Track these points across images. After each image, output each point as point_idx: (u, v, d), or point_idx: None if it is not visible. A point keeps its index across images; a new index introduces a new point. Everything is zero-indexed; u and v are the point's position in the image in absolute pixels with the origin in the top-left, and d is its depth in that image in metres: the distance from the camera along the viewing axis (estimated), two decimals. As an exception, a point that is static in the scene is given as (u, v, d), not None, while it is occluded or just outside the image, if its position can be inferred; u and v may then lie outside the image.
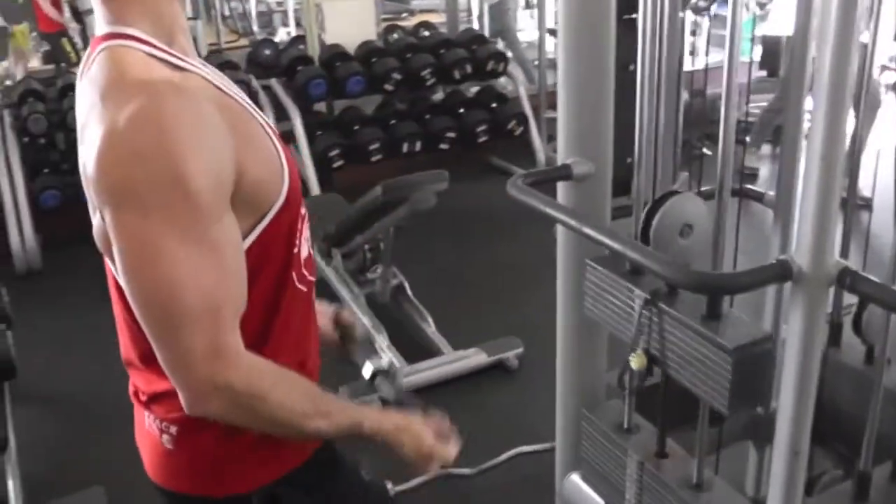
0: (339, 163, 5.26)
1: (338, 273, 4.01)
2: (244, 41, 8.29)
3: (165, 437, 1.27)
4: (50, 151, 5.01)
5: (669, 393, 1.68)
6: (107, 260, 1.17)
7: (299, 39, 6.16)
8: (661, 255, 1.53)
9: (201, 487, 1.29)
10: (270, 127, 1.20)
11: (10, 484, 2.82)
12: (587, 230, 1.64)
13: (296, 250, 1.23)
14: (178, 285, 1.04)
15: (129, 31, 1.08)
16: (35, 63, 9.49)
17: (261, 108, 4.69)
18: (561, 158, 1.98)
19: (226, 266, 1.08)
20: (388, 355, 3.51)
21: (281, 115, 5.26)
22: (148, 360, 1.18)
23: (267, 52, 5.87)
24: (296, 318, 1.27)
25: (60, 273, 4.64)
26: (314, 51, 5.57)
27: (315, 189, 5.07)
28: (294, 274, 1.24)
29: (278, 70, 5.52)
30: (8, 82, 6.39)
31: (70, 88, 5.04)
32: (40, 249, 4.71)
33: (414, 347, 3.60)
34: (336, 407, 1.23)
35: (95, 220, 1.12)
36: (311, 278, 1.31)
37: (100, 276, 1.27)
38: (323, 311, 1.55)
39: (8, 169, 4.67)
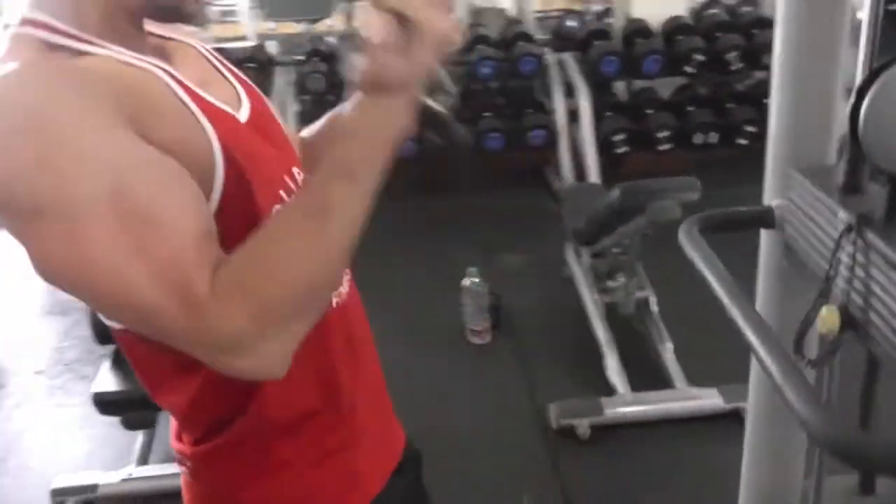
0: (624, 149, 4.83)
1: (584, 273, 3.67)
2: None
3: (185, 470, 1.16)
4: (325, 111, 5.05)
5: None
6: None
7: (608, 12, 5.76)
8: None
9: None
10: (224, 118, 0.98)
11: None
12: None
13: None
14: (118, 271, 0.83)
15: (36, 15, 0.91)
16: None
17: (547, 84, 4.38)
18: (767, 197, 1.50)
19: (155, 221, 0.84)
20: (613, 376, 3.15)
21: (571, 91, 4.94)
22: (154, 390, 1.07)
23: (571, 23, 5.55)
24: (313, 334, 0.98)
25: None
26: (618, 25, 5.16)
27: (593, 174, 4.71)
28: None
29: (575, 43, 5.18)
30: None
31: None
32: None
33: (644, 371, 3.18)
34: (323, 174, 0.90)
35: None
36: None
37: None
38: None
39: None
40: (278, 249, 0.87)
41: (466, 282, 3.59)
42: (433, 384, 3.32)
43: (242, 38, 7.68)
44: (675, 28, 4.98)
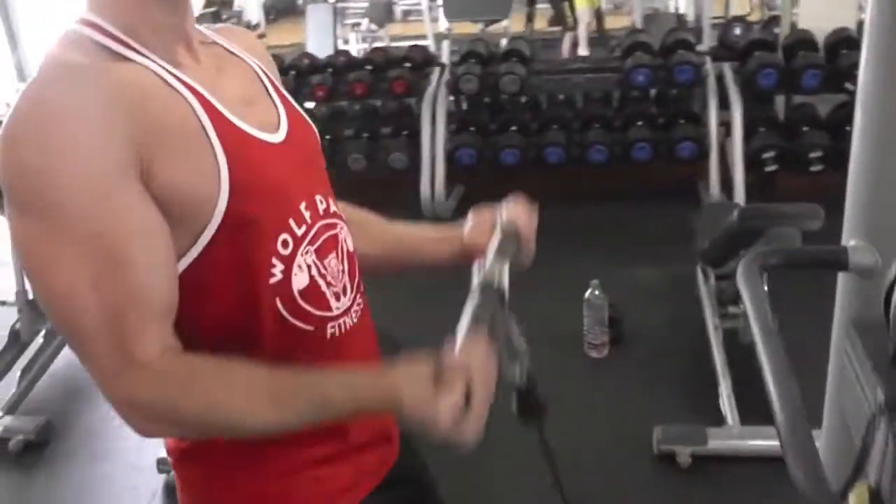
0: (773, 167, 4.61)
1: (709, 295, 3.52)
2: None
3: (170, 461, 1.20)
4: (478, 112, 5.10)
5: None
6: None
7: (774, 21, 5.52)
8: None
9: None
10: (245, 141, 1.03)
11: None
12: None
13: (275, 279, 1.05)
14: (69, 295, 0.93)
15: (90, 17, 1.02)
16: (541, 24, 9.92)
17: (703, 94, 4.24)
18: (845, 237, 1.39)
19: (125, 271, 0.94)
20: (724, 405, 3.01)
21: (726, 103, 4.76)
22: None
23: (737, 31, 5.36)
24: (295, 360, 1.06)
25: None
26: (782, 35, 4.93)
27: (739, 192, 4.53)
28: (279, 305, 1.06)
29: (737, 53, 4.98)
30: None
31: (514, 54, 5.11)
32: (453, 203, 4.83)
33: (757, 405, 3.00)
34: (304, 388, 1.02)
35: None
36: (327, 314, 1.11)
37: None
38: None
39: (433, 122, 4.84)
40: (227, 393, 0.99)
41: (588, 293, 3.52)
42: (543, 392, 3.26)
43: (422, 37, 7.84)
44: (839, 41, 4.71)
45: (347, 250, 1.17)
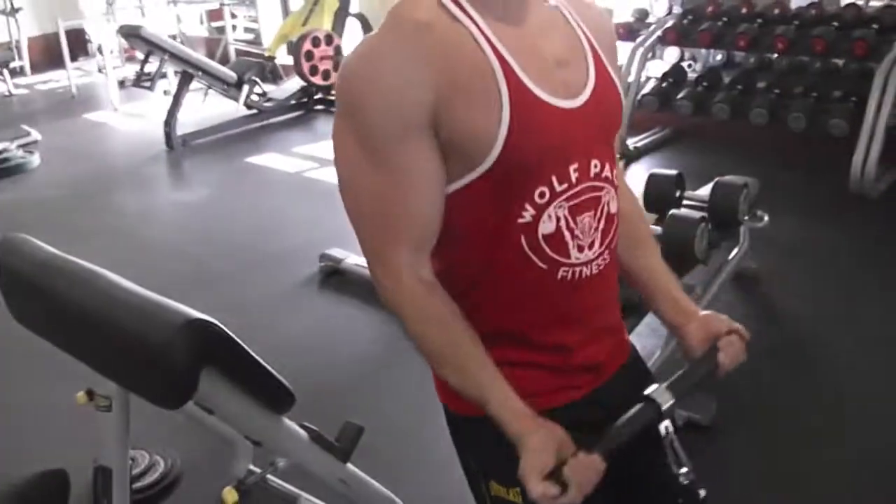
0: None
1: None
2: None
3: None
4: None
5: None
6: None
7: None
8: None
9: (448, 401, 1.42)
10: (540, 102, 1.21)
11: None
12: None
13: (523, 221, 1.24)
14: (356, 186, 1.24)
15: None
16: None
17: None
18: None
19: (400, 191, 1.20)
20: None
21: None
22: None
23: None
24: (518, 287, 1.29)
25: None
26: None
27: None
28: (523, 242, 1.25)
29: None
30: None
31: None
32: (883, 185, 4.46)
33: None
34: (474, 369, 1.26)
35: None
36: (563, 259, 1.28)
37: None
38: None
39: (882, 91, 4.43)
40: (431, 333, 1.26)
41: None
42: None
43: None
44: None
45: (608, 212, 1.31)
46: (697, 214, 3.17)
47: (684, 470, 1.27)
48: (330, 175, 5.74)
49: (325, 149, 6.67)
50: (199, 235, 5.23)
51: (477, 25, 1.19)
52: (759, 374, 3.04)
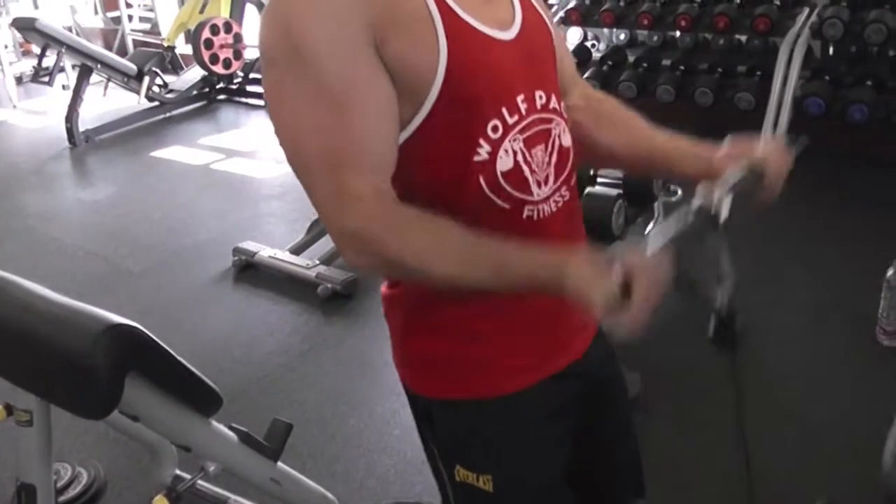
0: None
1: None
2: None
3: (384, 314, 1.39)
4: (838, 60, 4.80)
5: None
6: None
7: None
8: None
9: (420, 387, 1.37)
10: (459, 24, 1.16)
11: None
12: None
13: (480, 159, 1.19)
14: (301, 132, 1.13)
15: None
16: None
17: None
18: None
19: (346, 117, 1.11)
20: None
21: None
22: None
23: None
24: (490, 233, 1.18)
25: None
26: None
27: None
28: (482, 182, 1.19)
29: None
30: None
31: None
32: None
33: None
34: (490, 252, 1.14)
35: None
36: (525, 197, 1.23)
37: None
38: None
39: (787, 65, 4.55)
40: (422, 237, 1.12)
41: (891, 273, 3.22)
42: (820, 378, 3.17)
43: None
44: None
45: (560, 145, 1.27)
46: (614, 191, 3.19)
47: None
48: (237, 166, 5.88)
49: (231, 139, 6.64)
50: (107, 235, 5.07)
51: None
52: (681, 343, 3.07)
